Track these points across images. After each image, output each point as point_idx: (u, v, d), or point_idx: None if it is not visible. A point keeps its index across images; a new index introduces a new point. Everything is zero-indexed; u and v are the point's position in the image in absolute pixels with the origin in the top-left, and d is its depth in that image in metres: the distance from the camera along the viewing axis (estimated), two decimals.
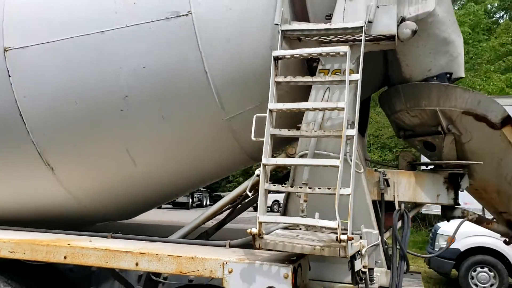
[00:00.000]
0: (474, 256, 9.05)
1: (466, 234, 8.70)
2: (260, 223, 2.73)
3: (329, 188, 2.72)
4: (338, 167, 2.65)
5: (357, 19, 3.17)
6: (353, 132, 2.77)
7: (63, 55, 3.45)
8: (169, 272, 3.06)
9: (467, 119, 3.40)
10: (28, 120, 3.58)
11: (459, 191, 3.62)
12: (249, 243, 3.49)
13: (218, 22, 3.29)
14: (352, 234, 2.71)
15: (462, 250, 9.03)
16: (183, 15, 3.30)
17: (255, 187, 3.14)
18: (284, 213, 3.46)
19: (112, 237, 3.59)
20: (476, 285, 9.08)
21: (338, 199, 2.62)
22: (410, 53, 3.43)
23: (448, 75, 3.59)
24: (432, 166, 3.72)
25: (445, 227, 9.60)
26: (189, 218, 4.10)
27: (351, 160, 2.92)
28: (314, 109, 2.95)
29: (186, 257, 2.97)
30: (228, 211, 4.41)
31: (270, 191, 2.86)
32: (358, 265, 2.83)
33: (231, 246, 3.38)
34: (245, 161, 4.03)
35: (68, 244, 3.24)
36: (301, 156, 3.31)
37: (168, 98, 3.41)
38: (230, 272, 2.86)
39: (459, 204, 3.64)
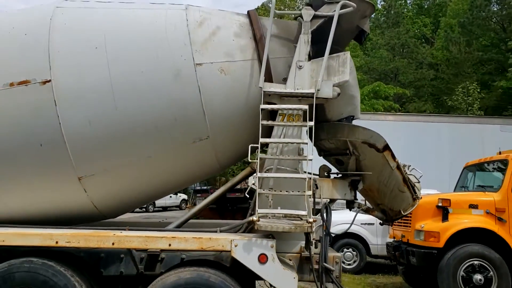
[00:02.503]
0: (342, 240, 11.60)
1: (336, 223, 11.18)
2: (259, 213, 4.43)
3: (298, 191, 4.53)
4: (305, 179, 4.48)
5: (303, 83, 5.00)
6: (312, 157, 4.62)
7: (123, 175, 5.05)
8: (193, 249, 4.56)
9: (364, 146, 5.42)
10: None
11: (357, 191, 5.69)
12: (232, 229, 5.15)
13: (227, 140, 5.13)
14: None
15: (333, 235, 11.50)
16: (204, 139, 5.01)
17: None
18: (253, 208, 5.16)
19: (129, 229, 4.94)
20: (343, 262, 11.66)
21: (306, 198, 4.43)
22: (332, 104, 5.35)
23: (352, 117, 5.63)
24: (340, 175, 5.73)
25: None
26: None
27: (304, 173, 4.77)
28: (287, 143, 4.74)
29: (206, 238, 4.53)
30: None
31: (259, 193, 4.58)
32: (310, 238, 4.68)
33: (220, 231, 4.99)
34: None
35: (114, 234, 4.56)
36: (268, 170, 5.04)
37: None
38: (236, 246, 4.49)
39: (357, 199, 5.71)
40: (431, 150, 14.11)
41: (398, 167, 5.73)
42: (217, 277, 4.52)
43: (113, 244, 4.52)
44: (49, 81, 4.69)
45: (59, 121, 4.69)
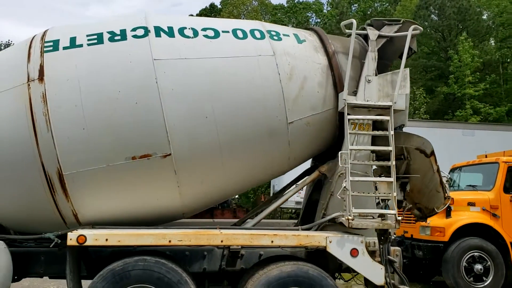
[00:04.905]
0: None
1: None
2: (353, 213, 4.99)
3: (384, 193, 5.14)
4: (392, 182, 5.09)
5: (372, 95, 5.63)
6: (393, 162, 5.24)
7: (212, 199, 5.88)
8: (293, 245, 5.03)
9: (416, 152, 6.10)
10: None
11: (405, 191, 6.37)
12: (311, 227, 5.65)
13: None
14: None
15: None
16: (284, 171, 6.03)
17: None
18: (326, 208, 5.71)
19: (219, 228, 5.31)
20: None
21: (393, 198, 5.05)
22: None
23: (403, 125, 6.31)
24: None
25: None
26: None
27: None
28: (373, 151, 5.32)
29: (303, 235, 5.03)
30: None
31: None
32: (390, 235, 5.31)
33: (302, 229, 5.48)
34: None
35: (221, 232, 4.94)
36: (341, 175, 5.58)
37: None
38: (330, 242, 5.03)
39: (405, 199, 6.40)
40: None
41: (438, 170, 6.48)
42: (314, 270, 5.04)
43: (221, 241, 4.91)
44: (169, 154, 5.05)
45: (177, 185, 5.18)
